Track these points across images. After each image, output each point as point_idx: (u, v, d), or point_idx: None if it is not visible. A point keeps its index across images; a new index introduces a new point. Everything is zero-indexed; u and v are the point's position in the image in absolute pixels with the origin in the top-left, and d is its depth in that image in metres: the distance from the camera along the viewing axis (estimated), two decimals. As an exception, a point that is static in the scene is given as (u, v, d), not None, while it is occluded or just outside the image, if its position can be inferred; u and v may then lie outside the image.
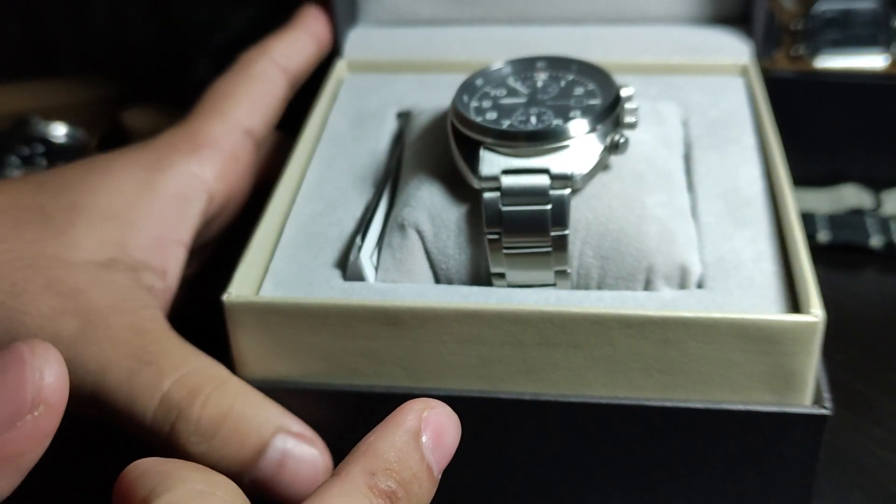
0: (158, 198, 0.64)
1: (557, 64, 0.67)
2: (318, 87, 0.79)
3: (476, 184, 0.60)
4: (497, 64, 0.68)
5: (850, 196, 0.77)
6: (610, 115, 0.61)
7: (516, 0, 0.85)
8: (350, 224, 0.66)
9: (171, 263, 0.63)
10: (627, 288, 0.60)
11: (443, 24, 0.85)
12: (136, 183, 0.64)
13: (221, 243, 0.73)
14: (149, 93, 0.83)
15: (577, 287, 0.61)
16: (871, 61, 0.71)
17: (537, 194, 0.59)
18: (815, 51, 0.73)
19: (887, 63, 0.72)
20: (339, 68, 0.81)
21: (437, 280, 0.62)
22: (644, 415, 0.57)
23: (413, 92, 0.78)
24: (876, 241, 0.75)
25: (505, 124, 0.62)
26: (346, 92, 0.79)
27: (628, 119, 0.62)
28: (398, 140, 0.74)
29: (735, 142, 0.70)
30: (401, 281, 0.62)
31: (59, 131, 0.84)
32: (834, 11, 0.73)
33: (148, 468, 0.45)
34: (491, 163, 0.60)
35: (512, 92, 0.65)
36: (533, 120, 0.62)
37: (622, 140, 0.60)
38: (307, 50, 0.78)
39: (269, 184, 0.68)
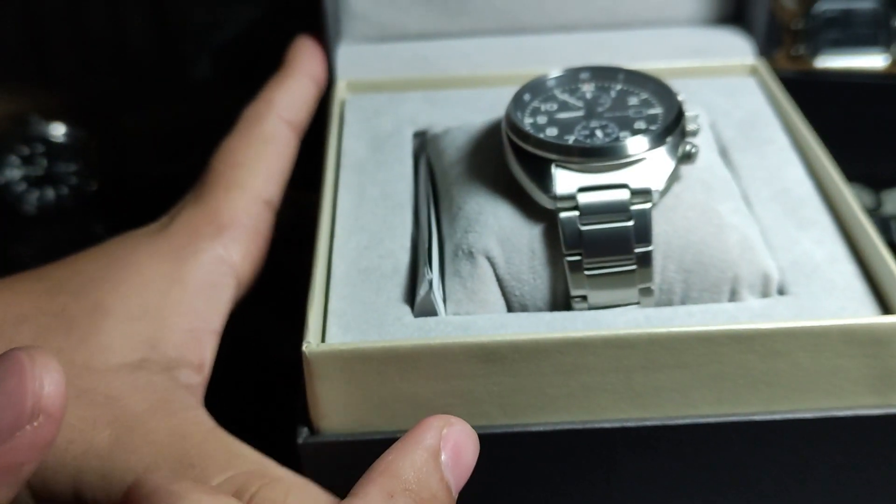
0: (188, 290, 0.60)
1: (602, 73, 0.65)
2: (319, 110, 0.74)
3: (550, 204, 0.57)
4: (537, 79, 0.65)
5: None
6: (677, 125, 0.59)
7: (505, 9, 0.82)
8: (402, 255, 0.62)
9: (207, 355, 0.59)
10: (712, 300, 0.58)
11: (432, 38, 0.82)
12: (162, 277, 0.60)
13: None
14: (148, 93, 0.80)
15: (660, 302, 0.59)
16: (871, 61, 0.71)
17: (618, 210, 0.56)
18: (816, 51, 0.74)
19: (887, 63, 0.72)
20: (340, 89, 0.77)
21: (510, 306, 0.59)
22: (752, 430, 0.55)
23: (423, 111, 0.74)
24: None
25: (573, 141, 0.59)
26: (353, 114, 0.75)
27: (691, 126, 0.60)
28: (421, 159, 0.70)
29: (770, 142, 0.70)
30: (474, 312, 0.58)
31: (58, 131, 0.81)
32: (834, 11, 0.74)
33: (156, 487, 0.43)
34: (565, 181, 0.57)
35: (564, 106, 0.62)
36: (599, 134, 0.59)
37: (693, 150, 0.59)
38: (308, 95, 0.74)
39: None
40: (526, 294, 0.59)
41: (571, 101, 0.63)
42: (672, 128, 0.59)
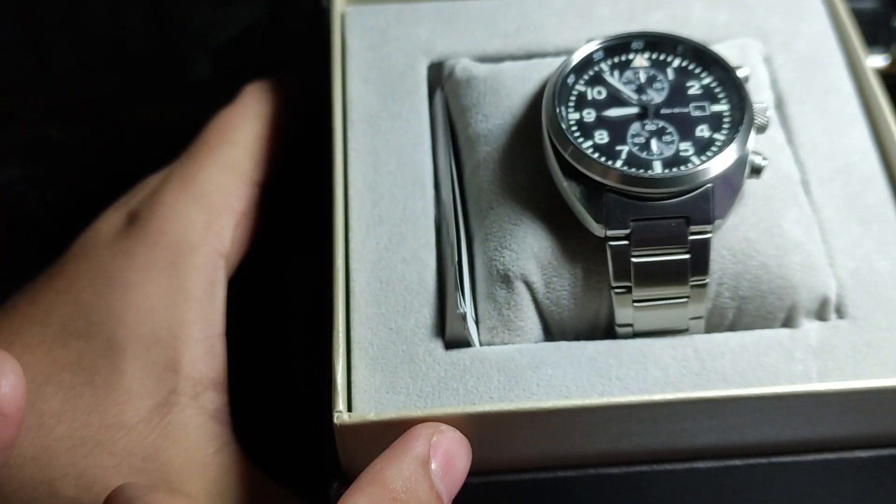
0: (191, 298, 0.57)
1: (657, 45, 0.55)
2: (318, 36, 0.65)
3: (599, 231, 0.51)
4: (583, 50, 0.55)
5: None
6: (747, 130, 0.52)
7: None
8: (427, 257, 0.56)
9: (222, 362, 0.57)
10: (765, 325, 0.54)
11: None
12: (164, 292, 0.56)
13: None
14: (148, 93, 0.77)
15: (710, 324, 0.54)
16: (871, 61, 0.68)
17: (675, 242, 0.51)
18: None
19: (887, 63, 0.70)
20: (338, 3, 0.66)
21: (548, 328, 0.55)
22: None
23: (438, 34, 0.64)
24: None
25: (626, 156, 0.51)
26: (356, 40, 0.64)
27: (759, 120, 0.53)
28: (437, 105, 0.62)
29: (832, 90, 0.62)
30: (509, 341, 0.54)
31: (58, 131, 0.77)
32: None
33: (134, 496, 0.44)
34: (618, 210, 0.51)
35: (615, 96, 0.54)
36: (654, 146, 0.52)
37: (764, 164, 0.52)
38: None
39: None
40: (566, 319, 0.54)
41: (623, 87, 0.54)
42: (741, 135, 0.51)
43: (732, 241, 0.53)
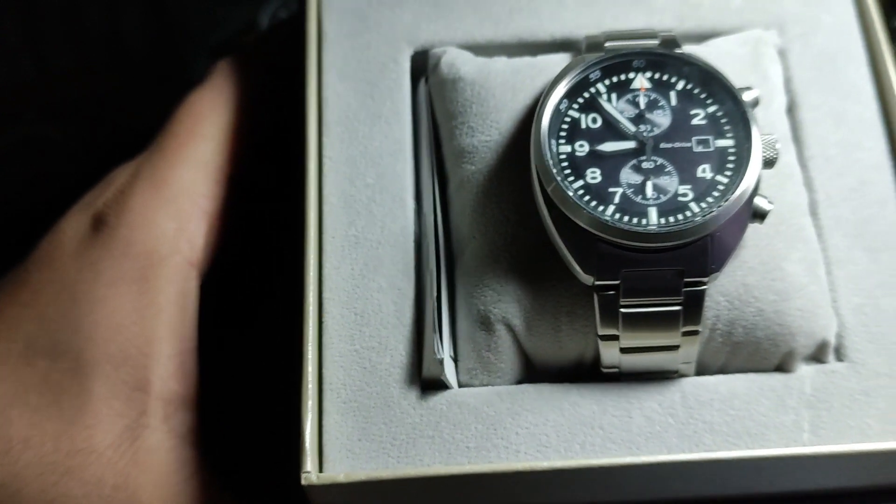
0: (163, 312, 0.54)
1: (659, 65, 0.50)
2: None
3: (587, 280, 0.48)
4: (579, 64, 0.50)
5: None
6: (753, 170, 0.47)
7: None
8: (406, 286, 0.53)
9: (193, 378, 0.55)
10: (758, 368, 0.51)
11: None
12: (133, 308, 0.53)
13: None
14: (148, 93, 0.74)
15: (699, 366, 0.52)
16: None
17: (668, 293, 0.47)
18: None
19: None
20: (316, -21, 0.60)
21: (530, 366, 0.52)
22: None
23: (423, 16, 0.59)
24: None
25: (619, 200, 0.47)
26: (333, 25, 0.59)
27: (767, 154, 0.49)
28: (421, 100, 0.57)
29: (851, 93, 0.57)
30: (490, 382, 0.51)
31: (58, 131, 0.73)
32: None
33: None
34: (609, 260, 0.47)
35: (611, 126, 0.49)
36: (650, 191, 0.48)
37: (769, 209, 0.48)
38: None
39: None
40: (549, 359, 0.52)
41: (620, 116, 0.49)
42: (747, 178, 0.47)
43: (729, 287, 0.50)
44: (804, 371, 0.51)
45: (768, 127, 0.54)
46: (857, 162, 0.55)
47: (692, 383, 0.51)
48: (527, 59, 0.56)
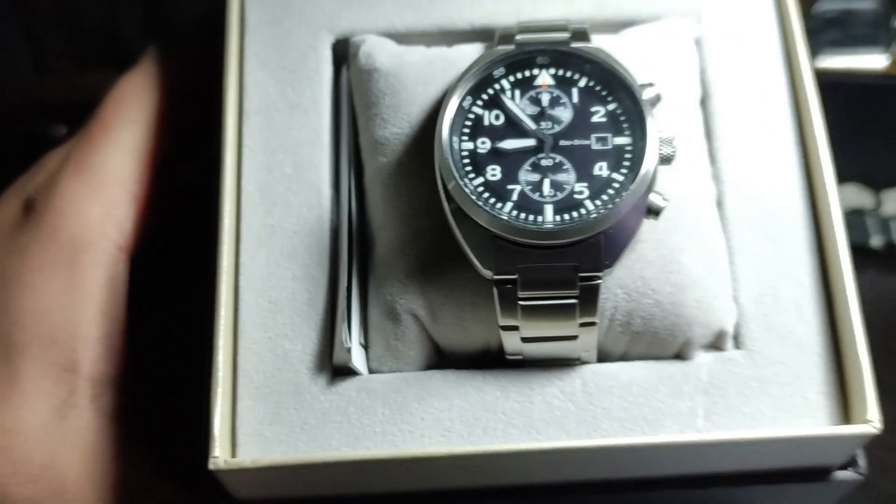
0: (91, 295, 0.55)
1: (564, 61, 0.51)
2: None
3: (487, 274, 0.49)
4: (483, 58, 0.51)
5: (850, 196, 0.76)
6: (648, 168, 0.48)
7: None
8: (320, 274, 0.54)
9: (122, 359, 0.57)
10: (657, 355, 0.53)
11: None
12: (62, 291, 0.55)
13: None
14: None
15: (601, 353, 0.53)
16: (872, 61, 0.71)
17: (563, 286, 0.49)
18: (815, 51, 0.71)
19: (887, 63, 0.71)
20: (238, -34, 0.60)
21: (439, 352, 0.54)
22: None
23: (344, 3, 0.59)
24: (876, 241, 0.74)
25: (517, 197, 0.49)
26: (257, 12, 0.59)
27: (665, 152, 0.50)
28: (342, 89, 0.58)
29: (763, 85, 0.58)
30: (398, 368, 0.53)
31: (59, 131, 0.74)
32: (834, 11, 0.72)
33: None
34: (505, 256, 0.48)
35: (513, 123, 0.50)
36: (547, 188, 0.49)
37: (663, 206, 0.49)
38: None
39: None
40: (456, 346, 0.53)
41: (521, 115, 0.50)
42: (641, 176, 0.48)
43: (627, 279, 0.51)
44: (702, 359, 0.53)
45: (680, 120, 0.55)
46: (766, 153, 0.56)
47: (593, 370, 0.53)
48: (442, 50, 0.57)
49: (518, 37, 0.53)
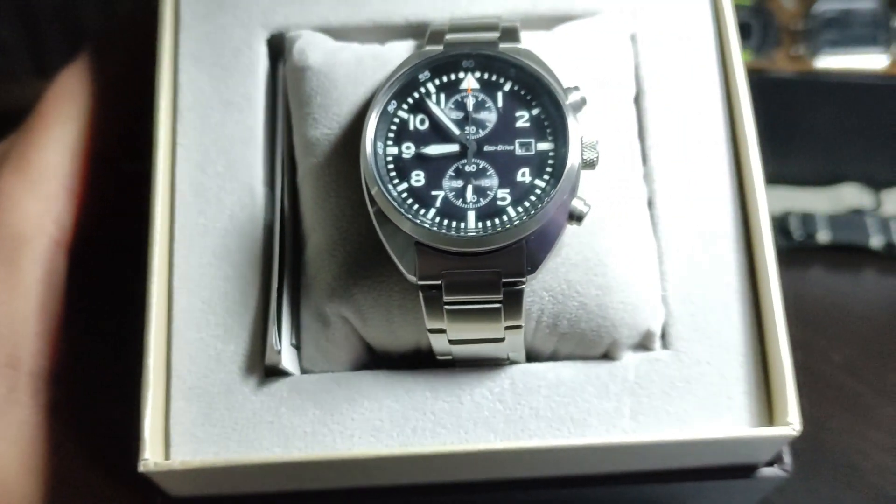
0: (31, 291, 0.56)
1: (489, 65, 0.51)
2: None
3: (412, 279, 0.50)
4: (408, 61, 0.51)
5: (850, 196, 0.76)
6: (570, 174, 0.49)
7: None
8: (252, 275, 0.55)
9: (60, 353, 0.57)
10: (585, 355, 0.54)
11: None
12: (1, 287, 0.55)
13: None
14: None
15: (530, 353, 0.54)
16: (871, 61, 0.71)
17: (487, 291, 0.49)
18: (815, 51, 0.72)
19: (887, 63, 0.71)
20: (172, -40, 0.60)
21: (371, 350, 0.55)
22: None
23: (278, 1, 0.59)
24: (876, 241, 0.74)
25: (440, 204, 0.49)
26: (191, 7, 0.59)
27: (588, 156, 0.50)
28: (279, 84, 0.58)
29: (696, 82, 0.58)
30: (329, 369, 0.54)
31: None
32: (834, 11, 0.72)
33: None
34: (428, 262, 0.49)
35: (438, 128, 0.50)
36: (470, 194, 0.49)
37: (586, 211, 0.49)
38: None
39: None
40: (386, 346, 0.54)
41: (446, 118, 0.50)
42: (563, 182, 0.48)
43: (552, 282, 0.52)
44: (630, 359, 0.53)
45: (613, 120, 0.55)
46: (697, 152, 0.56)
47: (522, 370, 0.53)
48: (374, 48, 0.56)
49: (448, 36, 0.53)
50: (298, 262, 0.55)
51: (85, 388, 0.59)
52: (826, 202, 0.76)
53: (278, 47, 0.59)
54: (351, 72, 0.55)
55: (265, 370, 0.53)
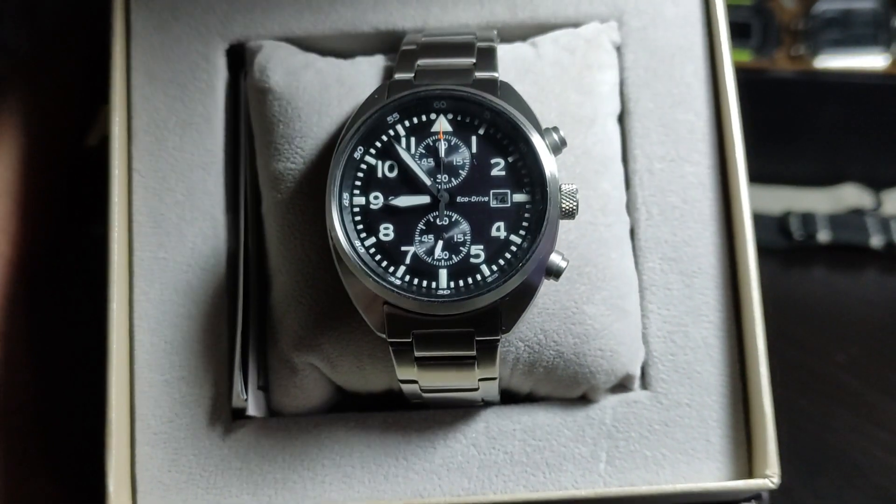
0: None
1: (463, 107, 0.47)
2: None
3: (381, 335, 0.48)
4: (377, 100, 0.47)
5: (850, 196, 0.74)
6: (549, 230, 0.46)
7: None
8: (215, 312, 0.52)
9: (26, 377, 0.56)
10: (563, 396, 0.52)
11: None
12: None
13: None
14: None
15: (505, 396, 0.52)
16: (871, 61, 0.70)
17: (459, 347, 0.47)
18: (816, 51, 0.70)
19: (887, 63, 0.70)
20: (120, -38, 0.55)
21: (342, 391, 0.53)
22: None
23: (237, 6, 0.55)
24: (876, 241, 0.72)
25: (410, 261, 0.46)
26: (143, 15, 0.55)
27: (566, 205, 0.47)
28: (241, 97, 0.55)
29: (683, 101, 0.54)
30: (299, 411, 0.52)
31: None
32: (834, 11, 0.71)
33: None
34: (399, 323, 0.47)
35: (407, 177, 0.47)
36: (441, 251, 0.46)
37: (563, 266, 0.47)
38: None
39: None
40: (358, 388, 0.52)
41: (416, 166, 0.47)
42: (542, 239, 0.45)
43: (528, 333, 0.50)
44: (607, 401, 0.52)
45: (595, 144, 0.52)
46: (682, 178, 0.54)
47: (496, 413, 0.52)
48: (340, 68, 0.53)
49: (420, 62, 0.49)
50: (264, 298, 0.53)
51: (49, 412, 0.57)
52: (826, 202, 0.74)
53: (238, 57, 0.55)
54: (314, 99, 0.51)
55: (232, 412, 0.52)
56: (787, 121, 0.70)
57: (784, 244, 0.70)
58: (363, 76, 0.52)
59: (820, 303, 0.67)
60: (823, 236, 0.71)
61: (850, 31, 0.70)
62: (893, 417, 0.64)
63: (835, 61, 0.70)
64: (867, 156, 0.74)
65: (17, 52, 0.58)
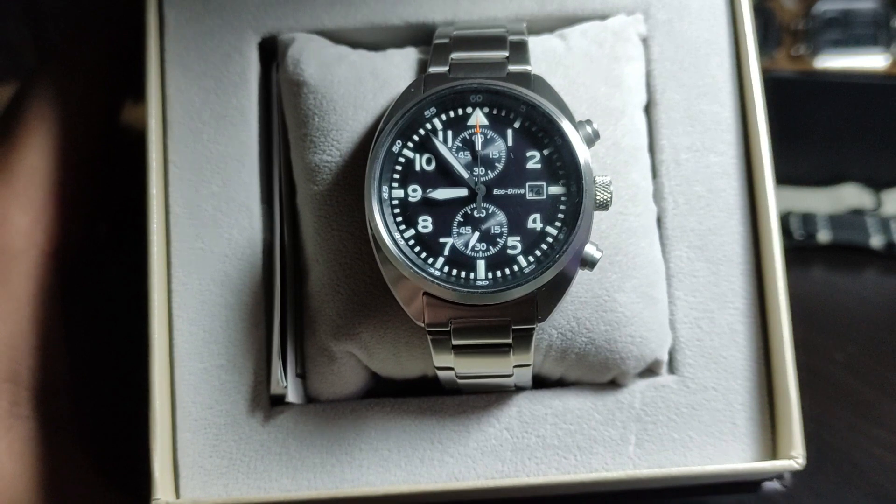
0: (25, 306, 0.55)
1: (499, 101, 0.48)
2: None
3: (419, 323, 0.49)
4: (413, 94, 0.48)
5: (851, 196, 0.75)
6: (584, 221, 0.47)
7: None
8: (253, 301, 0.53)
9: (64, 365, 0.57)
10: (593, 381, 0.54)
11: None
12: None
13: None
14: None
15: (536, 380, 0.54)
16: (872, 61, 0.71)
17: (496, 335, 0.49)
18: (816, 51, 0.72)
19: (887, 63, 0.71)
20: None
21: (377, 377, 0.54)
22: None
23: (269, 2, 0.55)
24: (876, 241, 0.73)
25: (448, 252, 0.47)
26: (175, 8, 0.55)
27: (601, 197, 0.48)
28: (272, 91, 0.55)
29: (709, 92, 0.55)
30: (336, 397, 0.54)
31: None
32: (834, 11, 0.72)
33: None
34: (437, 312, 0.48)
35: (445, 170, 0.48)
36: (480, 242, 0.48)
37: (598, 257, 0.48)
38: None
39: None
40: (394, 374, 0.54)
41: (453, 159, 0.48)
42: (578, 231, 0.47)
43: (561, 321, 0.51)
44: (636, 385, 0.53)
45: (624, 134, 0.53)
46: (708, 168, 0.55)
47: (529, 398, 0.53)
48: (373, 61, 0.53)
49: (453, 55, 0.50)
50: (300, 287, 0.54)
51: (88, 400, 0.58)
52: (826, 202, 0.75)
53: (271, 50, 0.56)
54: (349, 93, 0.52)
55: (271, 399, 0.53)
56: (788, 121, 0.70)
57: (784, 244, 0.71)
58: (397, 69, 0.53)
59: (820, 302, 0.69)
60: (823, 236, 0.72)
61: (850, 32, 0.72)
62: (892, 416, 0.66)
63: (835, 61, 0.71)
64: (867, 156, 0.75)
65: (49, 45, 0.59)
